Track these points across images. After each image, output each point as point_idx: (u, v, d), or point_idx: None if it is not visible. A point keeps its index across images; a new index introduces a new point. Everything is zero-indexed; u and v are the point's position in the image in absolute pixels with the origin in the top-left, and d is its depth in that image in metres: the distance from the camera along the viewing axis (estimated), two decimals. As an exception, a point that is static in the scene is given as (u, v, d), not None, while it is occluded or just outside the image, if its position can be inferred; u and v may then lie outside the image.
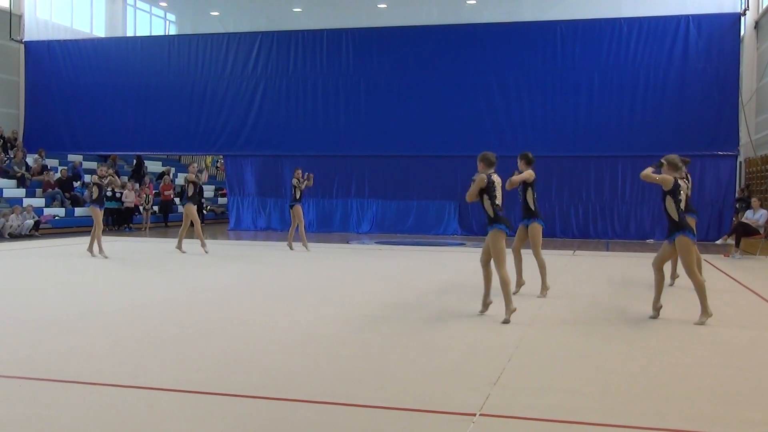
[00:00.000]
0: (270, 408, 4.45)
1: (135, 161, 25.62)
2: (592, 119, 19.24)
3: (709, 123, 18.51)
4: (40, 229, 18.79)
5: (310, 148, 20.98)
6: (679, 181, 7.27)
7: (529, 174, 8.73)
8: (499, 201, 7.17)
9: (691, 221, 7.81)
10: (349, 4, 22.84)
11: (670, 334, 6.74)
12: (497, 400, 4.55)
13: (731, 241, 14.80)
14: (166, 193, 23.81)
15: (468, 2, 22.84)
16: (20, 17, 23.43)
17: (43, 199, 21.07)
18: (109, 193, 18.87)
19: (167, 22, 27.67)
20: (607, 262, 13.95)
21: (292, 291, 9.50)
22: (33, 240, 17.54)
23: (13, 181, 21.32)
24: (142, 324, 6.97)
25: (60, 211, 20.98)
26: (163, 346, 6.03)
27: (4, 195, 20.33)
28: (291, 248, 15.14)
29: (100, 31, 25.94)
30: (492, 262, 7.27)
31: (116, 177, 14.01)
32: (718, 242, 16.21)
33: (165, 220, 23.82)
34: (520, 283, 9.05)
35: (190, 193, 14.24)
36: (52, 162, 23.55)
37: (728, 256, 14.09)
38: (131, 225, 21.95)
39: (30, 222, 18.37)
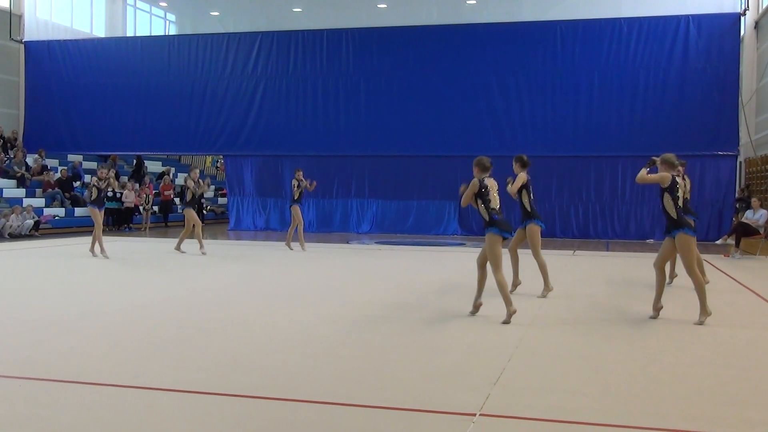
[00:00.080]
0: (270, 408, 4.45)
1: (135, 161, 25.62)
2: (592, 119, 19.24)
3: (709, 123, 18.52)
4: (40, 229, 18.79)
5: (310, 148, 20.99)
6: (677, 179, 7.28)
7: (520, 178, 8.74)
8: (494, 204, 7.16)
9: (691, 222, 7.79)
10: (349, 4, 22.84)
11: (670, 334, 6.74)
12: (497, 400, 4.55)
13: (731, 241, 14.80)
14: (166, 193, 23.81)
15: (468, 2, 22.85)
16: (20, 17, 23.43)
17: (43, 199, 21.08)
18: (110, 194, 18.86)
19: (167, 22, 27.67)
20: (607, 262, 13.95)
21: (292, 291, 9.49)
22: (33, 240, 17.55)
23: (13, 181, 21.32)
24: (142, 324, 6.97)
25: (60, 211, 20.98)
26: (163, 346, 6.03)
27: (4, 195, 20.33)
28: (290, 248, 15.15)
29: (100, 31, 25.95)
30: (489, 264, 7.27)
31: (115, 179, 14.01)
32: (718, 242, 16.21)
33: (165, 220, 23.82)
34: (516, 282, 9.06)
35: (188, 198, 14.34)
36: (52, 162, 23.55)
37: (728, 256, 14.09)
38: (131, 225, 21.95)
39: (30, 222, 18.37)
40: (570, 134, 19.38)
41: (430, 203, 20.57)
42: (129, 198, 21.78)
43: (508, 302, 7.05)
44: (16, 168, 21.63)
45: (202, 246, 14.08)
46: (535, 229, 8.77)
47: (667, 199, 7.14)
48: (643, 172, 7.31)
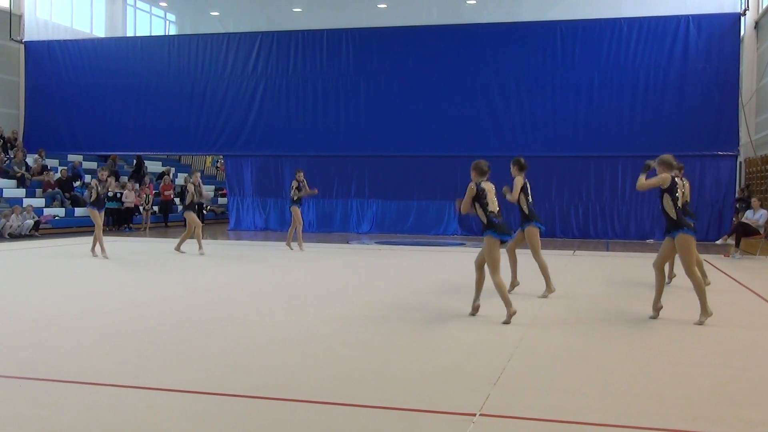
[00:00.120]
0: (270, 408, 4.45)
1: (135, 161, 25.61)
2: (592, 119, 19.24)
3: (709, 123, 18.52)
4: (40, 229, 18.79)
5: (310, 148, 20.99)
6: (676, 180, 7.27)
7: (518, 183, 8.73)
8: (492, 208, 7.16)
9: (690, 223, 7.76)
10: (349, 4, 22.83)
11: (670, 334, 6.74)
12: (497, 400, 4.55)
13: (731, 241, 14.80)
14: (166, 193, 23.81)
15: (468, 2, 22.84)
16: (20, 17, 23.44)
17: (43, 199, 21.08)
18: (110, 194, 18.87)
19: (167, 22, 27.67)
20: (607, 262, 13.95)
21: (292, 291, 9.49)
22: (33, 240, 17.55)
23: (13, 181, 21.32)
24: (142, 324, 6.97)
25: (60, 211, 20.98)
26: (163, 346, 6.03)
27: (4, 195, 20.33)
28: (290, 248, 15.16)
29: (100, 31, 25.94)
30: (486, 266, 7.28)
31: (114, 179, 14.04)
32: (718, 242, 16.21)
33: (165, 220, 23.82)
34: (514, 284, 9.07)
35: (187, 202, 14.36)
36: (52, 162, 23.55)
37: (728, 256, 14.08)
38: (131, 225, 21.95)
39: (30, 222, 18.37)
40: (570, 134, 19.38)
41: (430, 203, 20.57)
42: (129, 198, 21.78)
43: (507, 303, 7.05)
44: (16, 168, 21.64)
45: (201, 247, 14.08)
46: (533, 231, 8.76)
47: (667, 200, 7.14)
48: (642, 178, 7.29)
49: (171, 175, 26.00)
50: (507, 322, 6.99)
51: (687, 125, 18.56)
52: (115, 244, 16.06)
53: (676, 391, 4.83)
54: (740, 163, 19.89)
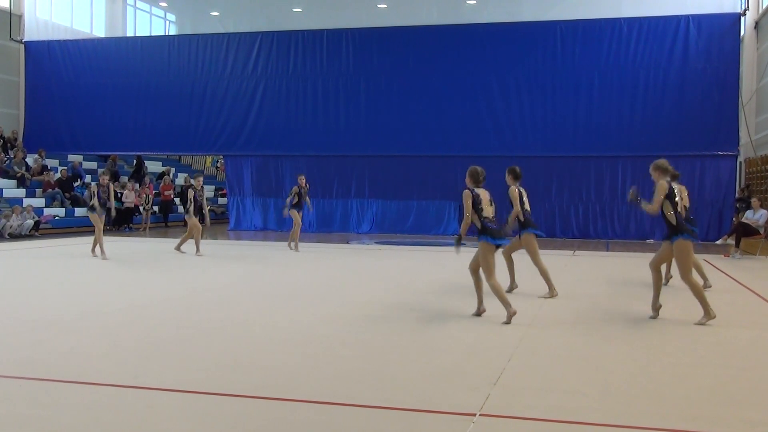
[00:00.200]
0: (270, 408, 4.45)
1: (135, 161, 25.61)
2: (592, 119, 19.25)
3: (709, 123, 18.52)
4: (40, 230, 18.79)
5: (310, 148, 20.99)
6: (673, 185, 7.26)
7: (512, 194, 8.73)
8: (486, 213, 7.20)
9: (690, 229, 7.69)
10: (349, 4, 22.83)
11: (670, 334, 6.74)
12: (497, 400, 4.55)
13: (731, 241, 14.80)
14: (166, 193, 23.81)
15: (468, 2, 22.84)
16: (20, 17, 23.44)
17: (43, 199, 21.07)
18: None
19: (167, 22, 27.67)
20: (607, 262, 13.95)
21: (292, 291, 9.49)
22: (33, 240, 17.55)
23: (13, 181, 21.32)
24: (142, 324, 6.97)
25: (60, 212, 20.98)
26: (163, 346, 6.03)
27: (4, 195, 20.33)
28: (291, 249, 15.15)
29: (100, 31, 25.95)
30: (481, 270, 7.30)
31: (112, 187, 14.04)
32: (718, 242, 16.21)
33: (165, 220, 23.82)
34: (512, 287, 9.09)
35: (187, 206, 14.31)
36: (52, 162, 23.55)
37: (728, 256, 14.08)
38: (131, 225, 21.94)
39: (30, 222, 18.38)
40: (570, 134, 19.39)
41: (430, 203, 20.57)
42: (129, 198, 21.78)
43: (506, 304, 7.06)
44: (16, 168, 21.64)
45: (198, 249, 14.06)
46: (529, 238, 8.80)
47: (666, 206, 7.14)
48: (646, 206, 7.21)
49: (171, 175, 26.00)
50: (507, 322, 6.99)
51: (687, 125, 18.56)
52: (115, 244, 16.06)
53: (676, 391, 4.83)
54: (740, 163, 19.89)
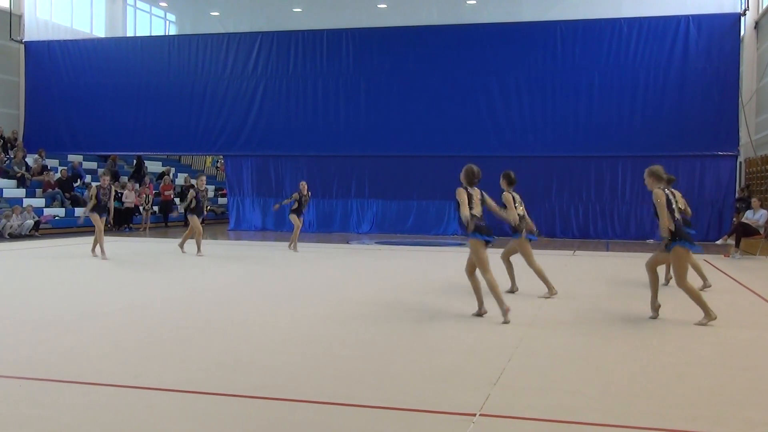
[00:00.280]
0: (270, 408, 4.45)
1: (135, 161, 25.61)
2: (592, 119, 19.25)
3: (709, 123, 18.52)
4: (40, 230, 18.79)
5: (310, 149, 20.99)
6: (667, 191, 7.25)
7: (506, 199, 8.74)
8: (476, 212, 7.27)
9: (688, 235, 7.61)
10: (349, 4, 22.83)
11: (670, 334, 6.74)
12: (497, 400, 4.55)
13: (731, 241, 14.80)
14: (166, 193, 23.81)
15: (468, 2, 22.85)
16: (20, 17, 23.45)
17: (43, 199, 21.08)
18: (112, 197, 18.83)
19: (167, 22, 27.67)
20: (607, 262, 13.95)
21: (292, 291, 9.49)
22: (33, 240, 17.55)
23: (13, 181, 21.32)
24: (142, 324, 6.97)
25: (60, 212, 20.98)
26: (163, 346, 6.03)
27: (4, 195, 20.33)
28: (291, 249, 15.16)
29: (100, 31, 25.95)
30: (477, 271, 7.32)
31: (113, 188, 14.04)
32: (718, 242, 16.21)
33: (165, 220, 23.83)
34: (513, 289, 9.12)
35: (192, 205, 14.31)
36: (52, 162, 23.56)
37: (728, 256, 14.08)
38: (131, 225, 21.94)
39: (30, 222, 18.38)
40: (570, 134, 19.39)
41: (430, 203, 20.56)
42: (129, 198, 21.78)
43: (500, 301, 7.09)
44: (16, 168, 21.64)
45: (199, 250, 14.05)
46: (523, 241, 8.84)
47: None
48: (663, 223, 7.12)
49: (171, 175, 26.00)
50: (506, 321, 6.99)
51: (687, 125, 18.57)
52: (115, 244, 16.06)
53: (676, 391, 4.83)
54: (740, 163, 19.89)
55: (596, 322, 7.31)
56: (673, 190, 7.44)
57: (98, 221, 13.31)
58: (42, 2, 24.11)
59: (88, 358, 5.60)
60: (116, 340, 6.21)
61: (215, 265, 12.59)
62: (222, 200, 27.85)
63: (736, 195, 18.98)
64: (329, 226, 21.24)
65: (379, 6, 23.24)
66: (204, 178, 14.99)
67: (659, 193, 7.10)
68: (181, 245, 14.39)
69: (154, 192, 23.57)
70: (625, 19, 19.38)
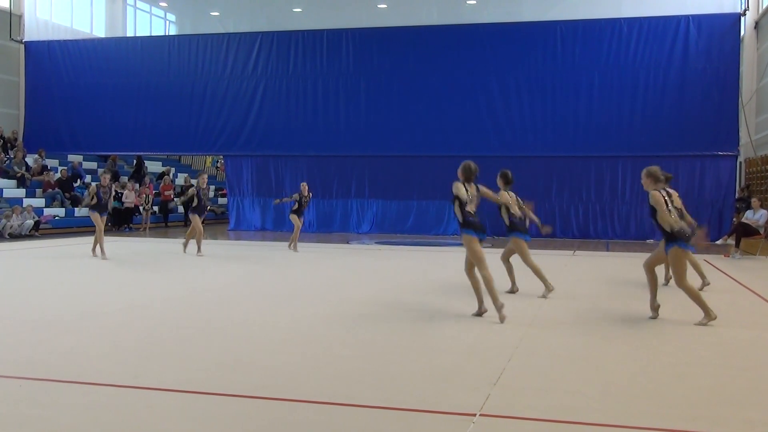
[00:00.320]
0: (270, 408, 4.45)
1: (135, 161, 25.62)
2: (592, 119, 19.25)
3: (709, 123, 18.52)
4: (40, 230, 18.79)
5: (310, 149, 20.99)
6: (663, 191, 7.26)
7: (502, 197, 8.73)
8: (470, 208, 7.32)
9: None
10: (349, 4, 22.83)
11: (670, 334, 6.74)
12: (497, 400, 4.55)
13: (731, 241, 14.80)
14: (166, 193, 23.81)
15: (468, 2, 22.85)
16: (20, 17, 23.44)
17: (43, 200, 21.08)
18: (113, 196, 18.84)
19: (167, 22, 27.67)
20: (607, 262, 13.95)
21: (292, 291, 9.49)
22: (33, 240, 17.55)
23: (13, 181, 21.32)
24: (142, 324, 6.97)
25: (60, 212, 20.98)
26: (163, 346, 6.03)
27: (4, 195, 20.33)
28: (291, 249, 15.16)
29: (100, 31, 25.95)
30: (476, 269, 7.33)
31: (113, 187, 14.05)
32: (718, 242, 16.21)
33: (165, 220, 23.83)
34: (513, 290, 9.11)
35: (194, 204, 14.31)
36: (52, 162, 23.55)
37: (728, 256, 14.08)
38: (131, 225, 21.94)
39: (30, 222, 18.38)
40: (570, 134, 19.39)
41: (430, 203, 20.55)
42: (129, 198, 21.78)
43: (494, 297, 7.11)
44: (16, 168, 21.64)
45: (199, 249, 14.05)
46: (517, 241, 8.86)
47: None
48: (670, 223, 7.13)
49: (171, 175, 26.00)
50: (501, 319, 6.99)
51: (687, 125, 18.57)
52: (115, 244, 16.06)
53: (676, 391, 4.83)
54: (740, 163, 19.89)
55: (596, 322, 7.31)
56: (669, 190, 7.45)
57: (98, 221, 13.30)
58: (42, 2, 24.11)
59: (88, 358, 5.60)
60: (116, 340, 6.21)
61: (215, 265, 12.58)
62: (222, 200, 27.85)
63: (736, 195, 18.98)
64: (329, 226, 21.24)
65: (379, 6, 23.24)
66: (205, 176, 14.96)
67: (656, 195, 7.09)
68: (185, 245, 14.35)
69: (154, 192, 23.57)
70: (625, 19, 19.37)
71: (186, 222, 23.60)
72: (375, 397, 4.60)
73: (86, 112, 22.66)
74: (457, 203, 7.33)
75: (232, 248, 16.59)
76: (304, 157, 20.99)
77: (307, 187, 15.08)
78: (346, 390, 4.75)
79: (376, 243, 18.11)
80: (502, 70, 19.79)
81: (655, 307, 7.45)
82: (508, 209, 8.82)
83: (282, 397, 4.59)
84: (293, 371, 5.24)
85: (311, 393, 4.64)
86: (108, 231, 19.01)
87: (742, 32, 19.31)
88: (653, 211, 7.15)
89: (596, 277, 11.14)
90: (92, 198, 13.37)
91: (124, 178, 23.29)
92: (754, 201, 15.27)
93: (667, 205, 7.13)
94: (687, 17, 18.87)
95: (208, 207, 15.79)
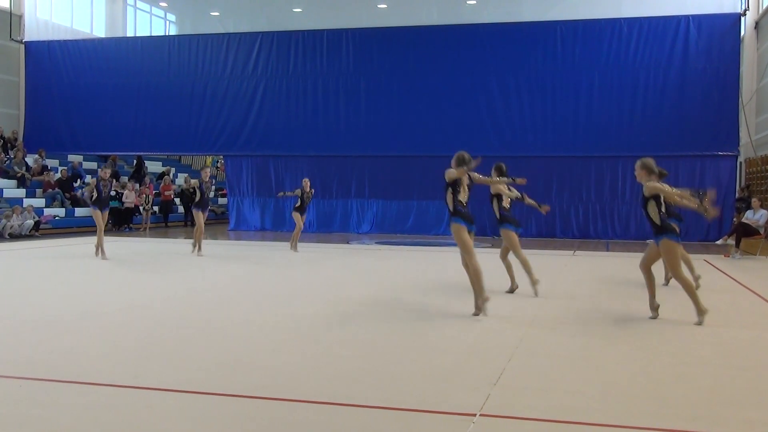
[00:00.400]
0: (270, 408, 4.45)
1: (135, 161, 25.62)
2: (592, 119, 19.25)
3: (709, 123, 18.52)
4: (40, 230, 18.79)
5: (310, 149, 20.99)
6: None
7: (498, 187, 8.74)
8: (462, 198, 7.37)
9: (674, 227, 7.57)
10: (349, 4, 22.84)
11: (670, 334, 6.74)
12: (497, 400, 4.55)
13: (731, 241, 14.80)
14: (166, 193, 23.82)
15: (468, 2, 22.85)
16: (20, 17, 23.44)
17: (43, 200, 21.08)
18: (113, 193, 18.85)
19: (167, 22, 27.67)
20: (607, 262, 13.95)
21: (292, 291, 9.49)
22: (33, 240, 17.55)
23: (13, 181, 21.32)
24: (142, 324, 6.97)
25: (60, 212, 20.98)
26: (163, 346, 6.03)
27: (4, 195, 20.33)
28: (291, 249, 15.15)
29: (100, 31, 25.95)
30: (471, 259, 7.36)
31: (113, 181, 14.03)
32: (718, 242, 16.21)
33: (165, 220, 23.83)
34: (513, 287, 9.11)
35: (197, 199, 14.27)
36: (52, 162, 23.56)
37: (728, 256, 14.08)
38: (131, 225, 21.94)
39: (30, 222, 18.38)
40: (570, 134, 19.38)
41: (430, 203, 20.54)
42: (129, 198, 21.78)
43: (480, 290, 7.18)
44: (16, 168, 21.64)
45: (200, 249, 14.03)
46: (507, 233, 8.87)
47: (652, 206, 7.18)
48: (672, 196, 7.13)
49: (171, 175, 26.00)
50: (477, 312, 7.08)
51: (687, 125, 18.57)
52: (115, 244, 16.06)
53: (676, 391, 4.83)
54: (740, 163, 19.89)
55: (596, 322, 7.31)
56: (663, 184, 7.46)
57: (99, 219, 13.22)
58: (42, 2, 24.10)
59: (88, 358, 5.60)
60: (116, 340, 6.21)
61: (215, 265, 12.58)
62: (222, 200, 27.84)
63: (736, 195, 18.98)
64: (329, 226, 21.24)
65: (379, 6, 23.24)
66: (208, 170, 14.89)
67: (654, 183, 7.09)
68: (193, 245, 14.22)
69: (154, 192, 23.57)
70: (625, 19, 19.37)
71: (186, 222, 23.67)
72: (375, 397, 4.60)
73: (86, 112, 22.66)
74: (449, 191, 7.37)
75: (232, 248, 16.59)
76: (304, 157, 20.99)
77: (309, 183, 15.07)
78: (346, 390, 4.75)
79: (376, 243, 18.11)
80: (502, 70, 19.78)
81: (654, 307, 7.45)
82: (499, 201, 8.84)
83: (282, 397, 4.59)
84: (293, 371, 5.24)
85: (311, 393, 4.64)
86: (108, 231, 19.01)
87: (742, 32, 19.31)
88: (645, 201, 7.16)
89: (596, 277, 11.14)
90: (92, 192, 13.36)
91: (124, 178, 23.30)
92: (755, 201, 15.27)
93: (659, 198, 7.13)
94: (687, 17, 18.87)
95: (209, 208, 15.79)
